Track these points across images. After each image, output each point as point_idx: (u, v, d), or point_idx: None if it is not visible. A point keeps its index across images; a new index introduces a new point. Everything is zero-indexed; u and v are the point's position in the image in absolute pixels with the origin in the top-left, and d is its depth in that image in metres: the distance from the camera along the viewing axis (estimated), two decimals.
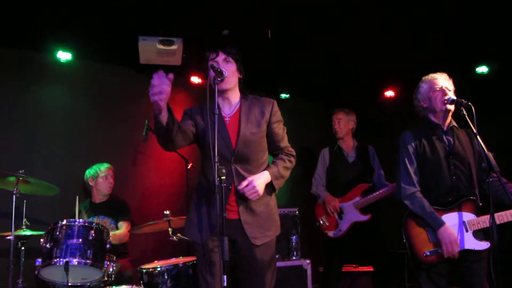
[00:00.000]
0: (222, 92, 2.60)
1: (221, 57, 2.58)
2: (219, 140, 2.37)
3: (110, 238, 3.27)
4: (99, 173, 4.10)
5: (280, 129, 2.70)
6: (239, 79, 2.67)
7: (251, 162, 2.58)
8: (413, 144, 3.00)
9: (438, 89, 2.98)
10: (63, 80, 4.51)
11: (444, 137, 2.99)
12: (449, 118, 3.01)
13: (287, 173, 2.66)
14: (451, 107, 2.94)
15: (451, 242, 2.76)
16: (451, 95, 2.97)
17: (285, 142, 2.73)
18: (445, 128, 3.01)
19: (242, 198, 2.51)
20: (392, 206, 3.19)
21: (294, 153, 2.75)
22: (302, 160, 5.83)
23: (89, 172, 4.15)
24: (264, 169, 2.61)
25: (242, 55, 2.66)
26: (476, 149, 2.96)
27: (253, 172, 2.56)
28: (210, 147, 2.34)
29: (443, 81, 3.01)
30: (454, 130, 3.02)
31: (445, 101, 2.92)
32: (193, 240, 2.62)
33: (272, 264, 2.61)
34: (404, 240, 2.91)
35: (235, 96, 2.67)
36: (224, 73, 2.47)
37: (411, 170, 2.96)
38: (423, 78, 3.12)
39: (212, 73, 2.46)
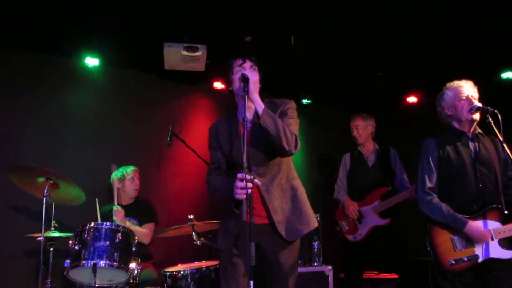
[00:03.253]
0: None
1: (248, 64, 2.64)
2: (239, 147, 2.39)
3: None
4: (125, 176, 4.15)
5: (285, 119, 2.60)
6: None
7: (267, 163, 2.58)
8: (435, 151, 2.97)
9: (464, 98, 2.95)
10: (90, 85, 4.62)
11: (469, 144, 2.96)
12: (474, 125, 2.99)
13: (279, 126, 2.43)
14: (477, 116, 2.91)
15: (480, 237, 2.76)
16: (477, 103, 2.93)
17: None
18: (470, 135, 2.98)
19: (270, 201, 2.53)
20: (415, 211, 3.16)
21: (296, 136, 2.54)
22: (324, 166, 5.86)
23: (115, 175, 4.17)
24: (283, 169, 2.63)
25: (264, 62, 2.71)
26: (501, 156, 2.93)
27: (271, 173, 2.58)
28: (235, 155, 2.40)
29: (468, 89, 2.97)
30: (479, 137, 2.99)
31: (471, 109, 2.89)
32: (218, 247, 2.65)
33: (295, 268, 2.63)
34: (428, 248, 2.89)
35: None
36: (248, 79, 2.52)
37: (429, 179, 2.95)
38: (448, 85, 3.07)
39: (239, 83, 2.49)
